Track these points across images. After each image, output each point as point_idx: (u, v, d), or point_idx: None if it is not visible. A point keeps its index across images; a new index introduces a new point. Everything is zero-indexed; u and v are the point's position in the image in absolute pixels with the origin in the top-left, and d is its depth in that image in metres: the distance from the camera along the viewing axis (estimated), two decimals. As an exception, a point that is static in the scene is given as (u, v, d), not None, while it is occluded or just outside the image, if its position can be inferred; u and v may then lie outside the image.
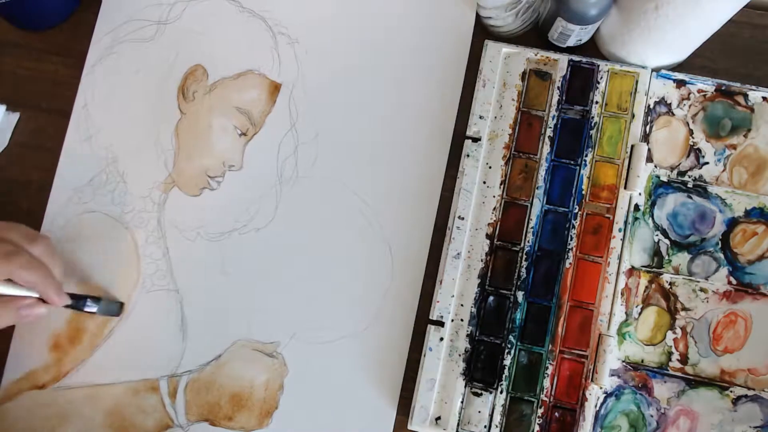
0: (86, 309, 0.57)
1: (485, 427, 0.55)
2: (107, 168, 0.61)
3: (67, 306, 0.55)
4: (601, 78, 0.58)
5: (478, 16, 0.60)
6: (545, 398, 0.55)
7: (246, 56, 0.62)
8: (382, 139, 0.61)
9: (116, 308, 0.59)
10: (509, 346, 0.56)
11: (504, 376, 0.56)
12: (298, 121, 0.61)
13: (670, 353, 0.56)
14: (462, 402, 0.56)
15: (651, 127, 0.58)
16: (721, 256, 0.57)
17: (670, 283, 0.57)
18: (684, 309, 0.56)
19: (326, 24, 0.63)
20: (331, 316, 0.59)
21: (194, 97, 0.62)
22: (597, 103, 0.58)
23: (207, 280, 0.60)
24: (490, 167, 0.58)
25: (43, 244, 0.53)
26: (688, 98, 0.58)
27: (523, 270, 0.57)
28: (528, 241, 0.57)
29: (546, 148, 0.58)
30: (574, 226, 0.57)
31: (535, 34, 0.60)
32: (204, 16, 0.63)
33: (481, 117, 0.58)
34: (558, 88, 0.59)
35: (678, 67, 0.60)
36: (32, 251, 0.52)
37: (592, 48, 0.60)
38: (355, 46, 0.62)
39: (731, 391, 0.55)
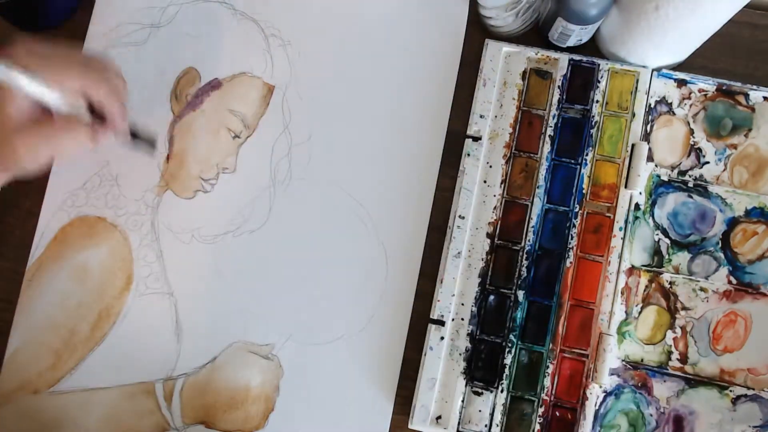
0: (136, 146, 0.55)
1: (486, 426, 0.55)
2: (100, 171, 0.61)
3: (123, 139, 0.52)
4: (602, 77, 0.58)
5: (477, 15, 0.60)
6: (546, 397, 0.55)
7: (239, 59, 0.62)
8: (376, 139, 0.60)
9: (153, 144, 0.57)
10: (510, 345, 0.56)
11: (505, 375, 0.55)
12: (291, 122, 0.61)
13: (669, 352, 0.56)
14: (463, 401, 0.56)
15: (652, 127, 0.58)
16: (722, 255, 0.57)
17: (670, 283, 0.57)
18: (684, 308, 0.57)
19: (318, 25, 0.62)
20: (326, 318, 0.58)
21: (187, 100, 0.61)
22: (597, 102, 0.58)
23: (201, 282, 0.59)
24: (490, 166, 0.58)
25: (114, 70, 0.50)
26: (689, 98, 0.58)
27: (524, 269, 0.57)
28: (528, 240, 0.57)
29: (546, 147, 0.58)
30: (574, 225, 0.57)
31: (536, 34, 0.60)
32: (197, 19, 0.62)
33: (481, 116, 0.58)
34: (558, 87, 0.58)
35: (679, 67, 0.60)
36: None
37: (593, 47, 0.60)
38: (346, 47, 0.62)
39: (731, 391, 0.55)
